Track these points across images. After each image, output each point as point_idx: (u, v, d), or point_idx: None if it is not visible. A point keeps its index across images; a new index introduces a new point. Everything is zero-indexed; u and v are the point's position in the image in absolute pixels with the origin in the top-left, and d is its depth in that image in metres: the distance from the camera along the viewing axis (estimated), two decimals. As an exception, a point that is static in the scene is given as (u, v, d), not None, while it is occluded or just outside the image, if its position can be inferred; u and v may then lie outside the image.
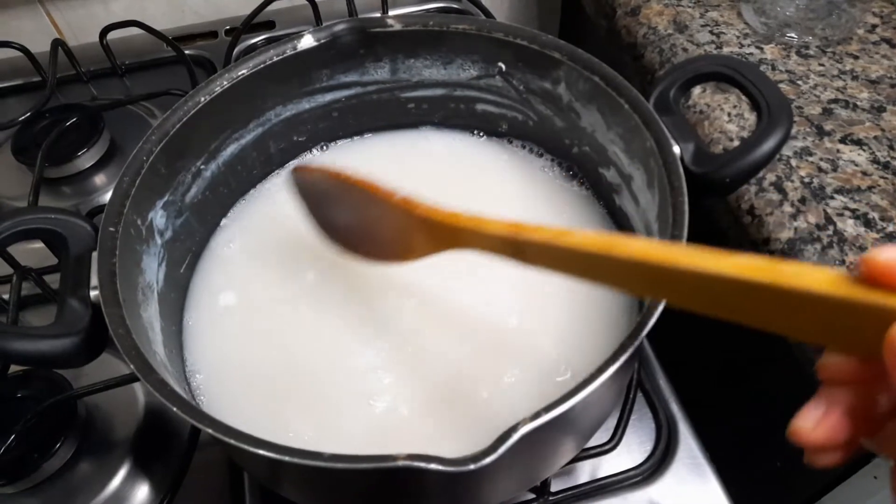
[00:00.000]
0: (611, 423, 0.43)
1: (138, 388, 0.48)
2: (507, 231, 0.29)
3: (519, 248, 0.29)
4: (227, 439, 0.28)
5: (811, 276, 0.20)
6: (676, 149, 0.36)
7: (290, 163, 0.51)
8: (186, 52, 0.68)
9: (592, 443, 0.41)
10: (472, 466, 0.26)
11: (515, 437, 0.27)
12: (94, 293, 0.34)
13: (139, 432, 0.46)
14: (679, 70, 0.40)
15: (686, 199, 0.34)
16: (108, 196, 0.59)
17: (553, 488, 0.42)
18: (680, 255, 0.23)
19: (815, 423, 0.22)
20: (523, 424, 0.27)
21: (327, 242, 0.41)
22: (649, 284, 0.25)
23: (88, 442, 0.45)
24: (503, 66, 0.46)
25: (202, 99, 0.41)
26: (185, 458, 0.43)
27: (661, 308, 0.30)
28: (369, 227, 0.38)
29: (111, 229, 0.35)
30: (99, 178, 0.61)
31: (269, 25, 0.74)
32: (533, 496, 0.42)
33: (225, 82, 0.42)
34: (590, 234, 0.26)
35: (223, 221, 0.47)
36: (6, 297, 0.51)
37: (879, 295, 0.20)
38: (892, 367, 0.19)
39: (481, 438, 0.35)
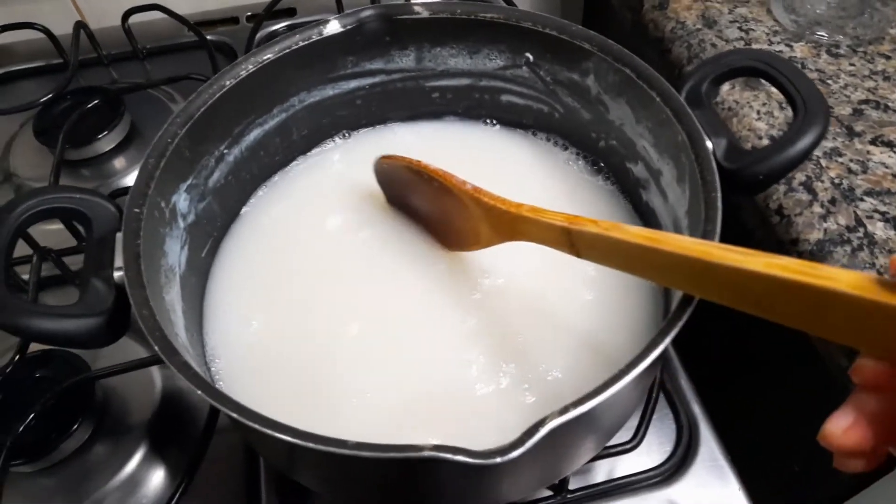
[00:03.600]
0: (632, 423, 0.42)
1: (155, 372, 0.48)
2: (562, 222, 0.31)
3: (572, 239, 0.31)
4: (251, 423, 0.27)
5: (842, 278, 0.21)
6: (709, 143, 0.36)
7: (313, 150, 0.50)
8: (208, 37, 0.68)
9: (613, 441, 0.40)
10: (498, 460, 0.26)
11: (543, 431, 0.26)
12: (117, 274, 0.33)
13: (156, 416, 0.46)
14: (712, 64, 0.39)
15: (719, 194, 0.33)
16: (127, 179, 0.60)
17: (571, 486, 0.41)
18: (721, 251, 0.24)
19: (844, 428, 0.23)
20: (552, 419, 0.27)
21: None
22: (690, 279, 0.26)
23: (105, 424, 0.45)
24: (531, 57, 0.45)
25: (227, 83, 0.41)
26: (203, 442, 0.43)
27: (692, 307, 0.30)
28: (443, 216, 0.41)
29: (136, 210, 0.35)
30: (118, 162, 0.61)
31: (291, 12, 0.73)
32: (550, 493, 0.41)
33: (250, 66, 0.42)
34: (638, 228, 0.28)
35: (244, 209, 0.47)
36: (25, 277, 0.52)
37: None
38: None
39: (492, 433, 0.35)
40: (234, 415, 0.27)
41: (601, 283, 0.41)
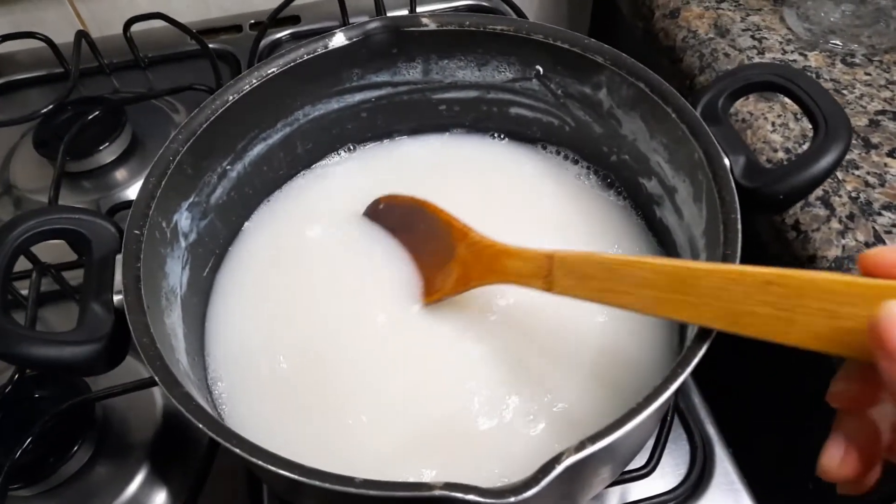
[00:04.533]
0: (646, 445, 0.41)
1: (156, 391, 0.47)
2: (545, 251, 0.33)
3: (553, 266, 0.33)
4: (255, 460, 0.26)
5: (815, 273, 0.23)
6: (727, 161, 0.35)
7: (317, 164, 0.49)
8: (210, 45, 0.67)
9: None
10: (511, 499, 0.25)
11: (559, 468, 0.25)
12: (117, 298, 0.33)
13: (157, 436, 0.45)
14: (729, 78, 0.38)
15: (738, 215, 0.32)
16: (128, 192, 0.59)
17: (582, 511, 0.40)
18: (697, 263, 0.27)
19: (839, 461, 0.24)
20: (568, 456, 0.26)
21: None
22: (666, 292, 0.28)
23: (106, 445, 0.44)
24: (541, 69, 0.44)
25: (231, 97, 0.40)
26: (206, 462, 0.42)
27: (711, 337, 0.29)
28: (432, 252, 0.42)
29: (136, 232, 0.34)
30: (120, 174, 0.60)
31: (295, 20, 0.72)
32: (562, 518, 0.40)
33: (254, 80, 0.41)
34: (613, 255, 0.31)
35: (246, 224, 0.46)
36: (24, 292, 0.51)
37: (870, 280, 0.22)
38: (873, 346, 0.21)
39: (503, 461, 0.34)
40: (237, 450, 0.26)
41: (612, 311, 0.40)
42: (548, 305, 0.40)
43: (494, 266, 0.36)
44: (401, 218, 0.44)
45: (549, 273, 0.33)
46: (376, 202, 0.46)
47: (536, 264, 0.34)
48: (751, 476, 0.44)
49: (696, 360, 0.28)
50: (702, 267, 0.26)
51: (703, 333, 0.29)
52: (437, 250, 0.40)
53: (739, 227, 0.32)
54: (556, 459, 0.26)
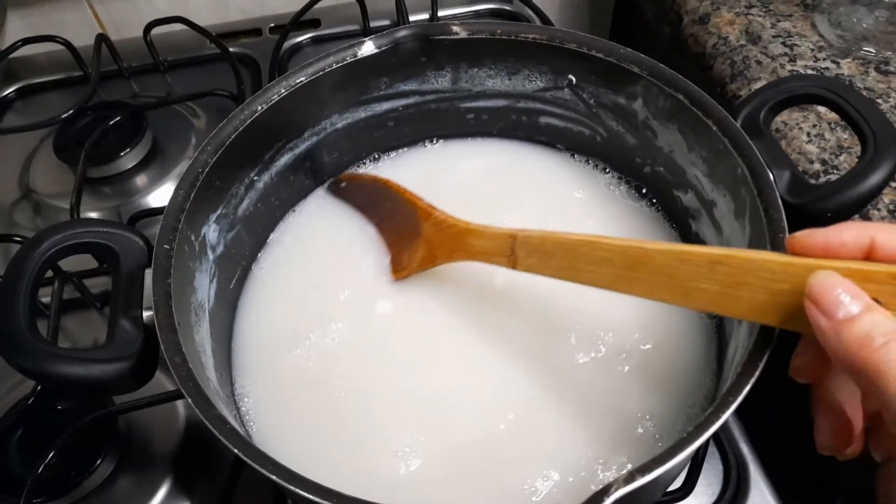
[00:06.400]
0: (680, 466, 0.40)
1: (179, 404, 0.46)
2: (508, 230, 0.34)
3: (515, 246, 0.34)
4: (290, 486, 0.25)
5: (755, 253, 0.26)
6: (771, 177, 0.34)
7: (342, 173, 0.48)
8: (230, 49, 0.66)
9: (662, 487, 0.38)
10: (559, 532, 0.24)
11: (607, 501, 0.24)
12: (146, 314, 0.32)
13: (180, 449, 0.44)
14: (771, 90, 0.37)
15: (787, 234, 0.31)
16: (149, 198, 0.58)
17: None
18: (653, 243, 0.29)
19: (829, 436, 0.27)
20: (617, 488, 0.25)
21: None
22: (625, 270, 0.29)
23: (128, 458, 0.44)
24: (573, 79, 0.43)
25: (259, 107, 0.39)
26: (231, 479, 0.41)
27: (763, 363, 0.28)
28: (399, 230, 0.43)
29: (166, 247, 0.33)
30: (140, 180, 0.59)
31: (315, 24, 0.71)
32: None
33: (282, 90, 0.40)
34: (572, 234, 0.31)
35: (272, 235, 0.45)
36: (45, 300, 0.50)
37: (803, 259, 0.25)
38: (810, 310, 0.24)
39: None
40: (273, 477, 0.26)
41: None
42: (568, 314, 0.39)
43: (460, 244, 0.37)
44: (367, 196, 0.45)
45: (512, 252, 0.34)
46: (337, 180, 0.46)
47: (500, 243, 0.34)
48: (785, 495, 0.42)
49: (747, 389, 0.27)
50: (654, 247, 0.28)
51: (753, 358, 0.28)
52: (403, 228, 0.41)
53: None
54: (604, 491, 0.25)
